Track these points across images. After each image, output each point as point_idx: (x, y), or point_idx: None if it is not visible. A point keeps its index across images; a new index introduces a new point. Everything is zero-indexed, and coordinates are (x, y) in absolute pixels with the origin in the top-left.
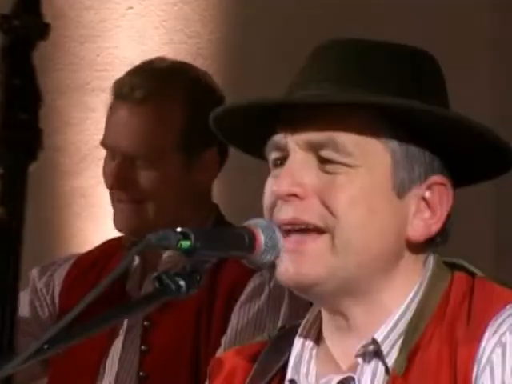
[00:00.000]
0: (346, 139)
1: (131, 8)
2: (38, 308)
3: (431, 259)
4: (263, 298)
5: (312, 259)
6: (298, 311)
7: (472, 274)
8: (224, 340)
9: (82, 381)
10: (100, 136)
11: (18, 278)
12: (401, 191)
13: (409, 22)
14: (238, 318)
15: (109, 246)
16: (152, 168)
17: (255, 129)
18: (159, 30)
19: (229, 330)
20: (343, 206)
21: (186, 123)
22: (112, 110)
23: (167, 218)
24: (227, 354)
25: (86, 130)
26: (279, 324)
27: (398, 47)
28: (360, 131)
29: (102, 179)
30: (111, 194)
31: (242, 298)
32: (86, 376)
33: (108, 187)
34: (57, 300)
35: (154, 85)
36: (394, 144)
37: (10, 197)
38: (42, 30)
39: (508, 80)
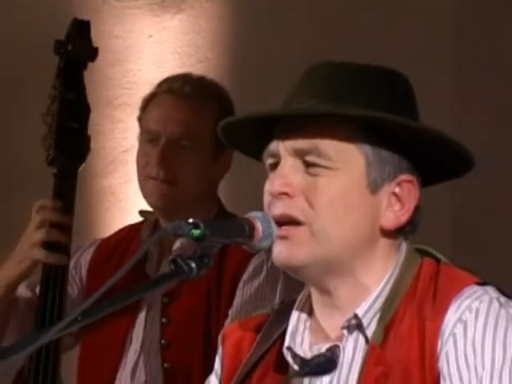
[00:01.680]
0: (327, 146)
1: (151, 37)
2: (68, 287)
3: (404, 246)
4: (262, 275)
5: (297, 245)
6: (292, 286)
7: (438, 260)
8: (231, 312)
9: (112, 349)
10: (126, 143)
11: (69, 259)
12: (374, 188)
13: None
14: (242, 293)
15: (129, 231)
16: (193, 151)
17: (256, 137)
18: (174, 56)
19: (235, 304)
20: (323, 204)
21: (218, 120)
22: (159, 102)
23: (189, 200)
24: (236, 324)
25: (114, 138)
26: (277, 297)
27: (375, 68)
28: (339, 139)
29: (128, 178)
30: (145, 173)
31: (245, 276)
32: (115, 345)
33: (144, 166)
34: (84, 279)
35: (198, 86)
36: (368, 149)
37: (63, 192)
38: (91, 52)
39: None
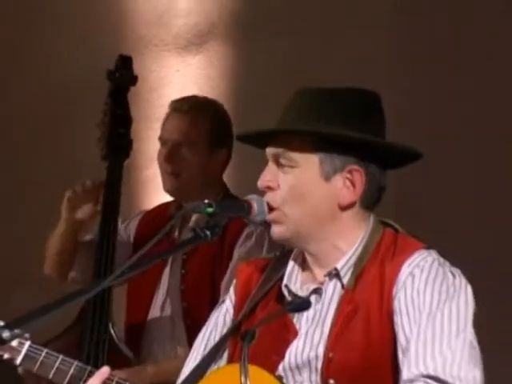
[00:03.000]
0: (292, 152)
1: (178, 71)
2: (119, 243)
3: (371, 219)
4: (252, 240)
5: (279, 225)
6: (275, 247)
7: (396, 230)
8: (230, 266)
9: (147, 291)
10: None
11: (116, 227)
12: (327, 178)
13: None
14: (238, 253)
15: (163, 209)
16: (190, 151)
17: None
18: (195, 84)
19: (232, 260)
20: (286, 192)
21: (211, 129)
22: (168, 117)
23: (194, 187)
24: (248, 262)
25: (151, 142)
26: (263, 255)
27: (338, 91)
28: (300, 146)
29: None
30: (161, 168)
31: (240, 241)
32: (149, 288)
33: (160, 163)
34: (132, 239)
35: (195, 104)
36: (321, 152)
37: (113, 181)
38: (133, 79)
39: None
